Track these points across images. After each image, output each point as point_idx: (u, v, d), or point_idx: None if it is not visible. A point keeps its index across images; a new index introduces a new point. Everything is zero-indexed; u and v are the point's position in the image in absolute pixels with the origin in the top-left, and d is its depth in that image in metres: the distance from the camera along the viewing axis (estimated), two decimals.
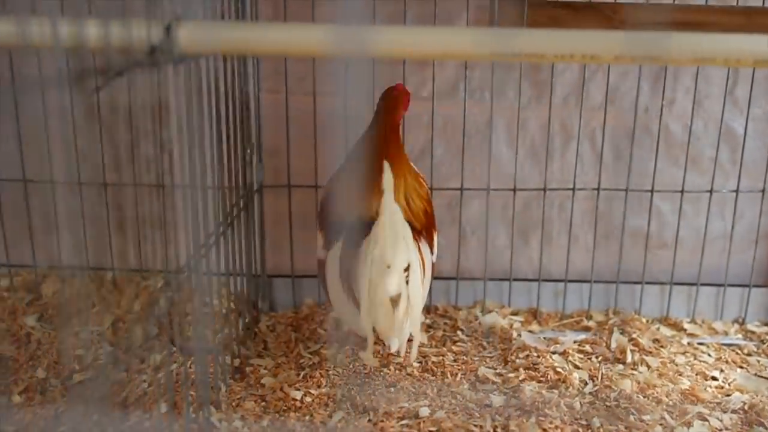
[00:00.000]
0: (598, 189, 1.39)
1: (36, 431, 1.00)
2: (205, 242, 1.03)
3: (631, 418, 1.06)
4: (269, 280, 1.43)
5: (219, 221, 1.09)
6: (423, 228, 1.17)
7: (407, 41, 0.77)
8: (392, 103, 1.18)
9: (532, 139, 1.42)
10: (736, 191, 1.39)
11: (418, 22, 1.33)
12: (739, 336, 1.38)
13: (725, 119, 1.39)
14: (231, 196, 1.21)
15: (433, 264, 1.17)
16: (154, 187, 0.91)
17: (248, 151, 1.32)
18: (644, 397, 1.13)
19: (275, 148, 1.38)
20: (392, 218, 0.97)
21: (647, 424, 1.05)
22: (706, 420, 1.07)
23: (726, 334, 1.39)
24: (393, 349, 1.04)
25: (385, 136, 1.16)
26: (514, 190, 1.40)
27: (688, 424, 1.05)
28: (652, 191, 1.38)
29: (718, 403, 1.13)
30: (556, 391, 1.14)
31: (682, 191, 1.39)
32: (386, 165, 0.96)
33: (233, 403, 1.09)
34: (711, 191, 1.39)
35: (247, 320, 1.34)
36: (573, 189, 1.39)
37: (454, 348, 1.29)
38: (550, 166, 1.41)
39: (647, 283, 1.43)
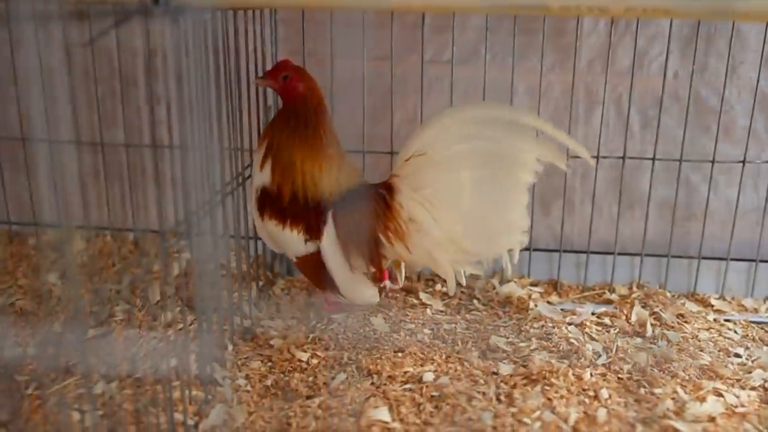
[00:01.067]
0: (623, 157, 1.34)
1: (47, 381, 1.03)
2: (209, 201, 1.03)
3: (642, 390, 1.03)
4: None
5: (226, 182, 1.09)
6: None
7: None
8: (310, 80, 1.17)
9: (556, 105, 1.37)
10: None
11: None
12: None
13: (762, 86, 1.32)
14: (242, 158, 1.21)
15: None
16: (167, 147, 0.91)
17: (266, 114, 1.31)
18: (659, 371, 1.09)
19: None
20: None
21: (657, 398, 1.01)
22: (722, 396, 1.02)
23: (756, 311, 1.33)
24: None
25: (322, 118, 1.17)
26: None
27: (702, 399, 1.00)
28: (680, 161, 1.32)
29: (738, 380, 1.08)
30: (566, 361, 1.11)
31: (713, 161, 1.32)
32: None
33: (239, 362, 1.10)
34: (744, 162, 1.32)
35: (262, 283, 1.35)
36: (597, 157, 1.35)
37: (468, 316, 1.27)
38: (574, 132, 1.36)
39: (674, 256, 1.37)
